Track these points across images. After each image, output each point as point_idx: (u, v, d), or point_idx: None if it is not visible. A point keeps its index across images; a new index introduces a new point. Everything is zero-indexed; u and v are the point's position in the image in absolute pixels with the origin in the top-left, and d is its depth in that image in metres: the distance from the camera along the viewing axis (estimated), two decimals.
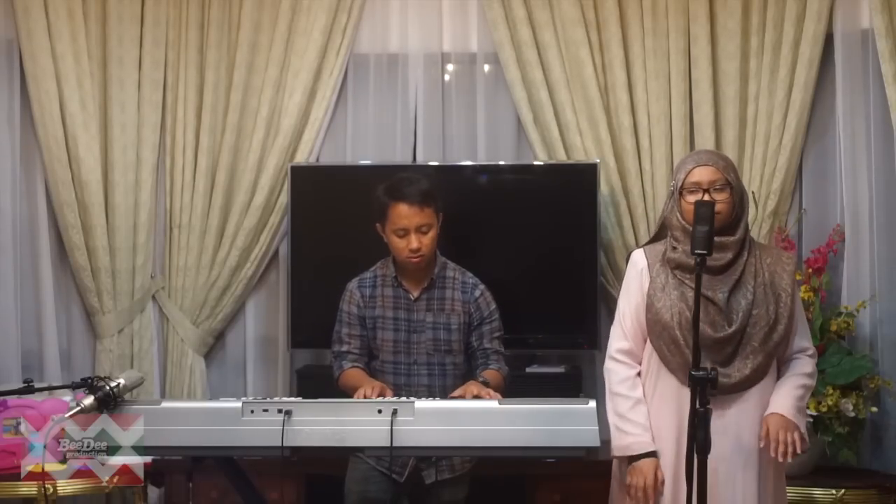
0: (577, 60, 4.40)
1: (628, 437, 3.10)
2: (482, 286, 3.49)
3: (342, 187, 4.37)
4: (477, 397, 3.06)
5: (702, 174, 3.11)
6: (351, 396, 3.19)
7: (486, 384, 3.22)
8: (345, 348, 3.44)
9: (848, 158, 4.29)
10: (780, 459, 3.02)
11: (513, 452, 2.86)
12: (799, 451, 3.03)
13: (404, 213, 3.32)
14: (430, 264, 3.44)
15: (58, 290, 4.53)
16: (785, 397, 3.09)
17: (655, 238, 3.30)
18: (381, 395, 3.12)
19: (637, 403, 3.13)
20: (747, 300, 3.09)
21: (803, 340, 3.20)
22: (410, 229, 3.33)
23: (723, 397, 3.01)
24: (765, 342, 3.08)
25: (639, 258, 3.23)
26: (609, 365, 3.21)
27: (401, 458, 3.31)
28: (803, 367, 3.15)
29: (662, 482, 3.07)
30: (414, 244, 3.33)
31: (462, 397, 3.10)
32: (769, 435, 3.02)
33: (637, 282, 3.20)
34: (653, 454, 3.08)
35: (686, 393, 3.03)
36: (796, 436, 3.02)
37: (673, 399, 3.10)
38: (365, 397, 3.10)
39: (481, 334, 3.45)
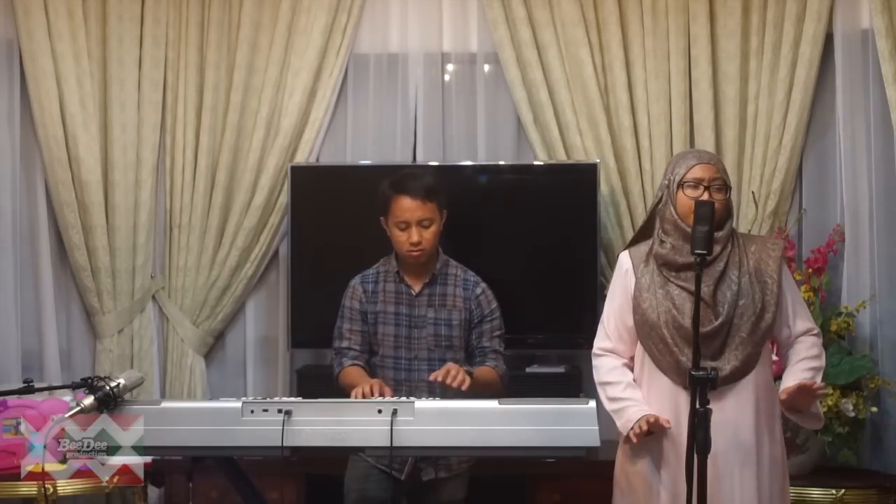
0: (577, 60, 4.40)
1: (629, 410, 3.09)
2: (484, 284, 3.51)
3: (342, 187, 4.37)
4: (447, 383, 3.12)
5: (704, 171, 3.12)
6: (349, 394, 3.19)
7: (469, 374, 3.23)
8: (345, 344, 3.45)
9: (848, 158, 4.29)
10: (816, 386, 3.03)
11: (513, 452, 2.86)
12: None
13: (406, 206, 3.36)
14: (432, 260, 3.46)
15: (58, 290, 4.53)
16: (794, 380, 3.08)
17: (641, 233, 3.31)
18: (380, 392, 3.13)
19: (629, 386, 3.15)
20: (732, 291, 3.09)
21: (805, 322, 3.18)
22: (412, 223, 3.36)
23: (717, 391, 3.00)
24: (753, 332, 3.08)
25: (624, 260, 3.25)
26: (595, 361, 3.25)
27: (399, 456, 3.31)
28: (808, 350, 3.14)
29: (668, 421, 3.04)
30: (415, 237, 3.35)
31: (436, 378, 3.13)
32: (793, 391, 3.02)
33: (622, 283, 3.22)
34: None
35: (680, 392, 3.04)
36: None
37: (668, 399, 3.10)
38: (362, 396, 3.10)
39: (481, 332, 3.47)
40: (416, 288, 3.45)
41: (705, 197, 3.06)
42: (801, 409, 3.11)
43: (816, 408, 3.14)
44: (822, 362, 3.16)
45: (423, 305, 3.44)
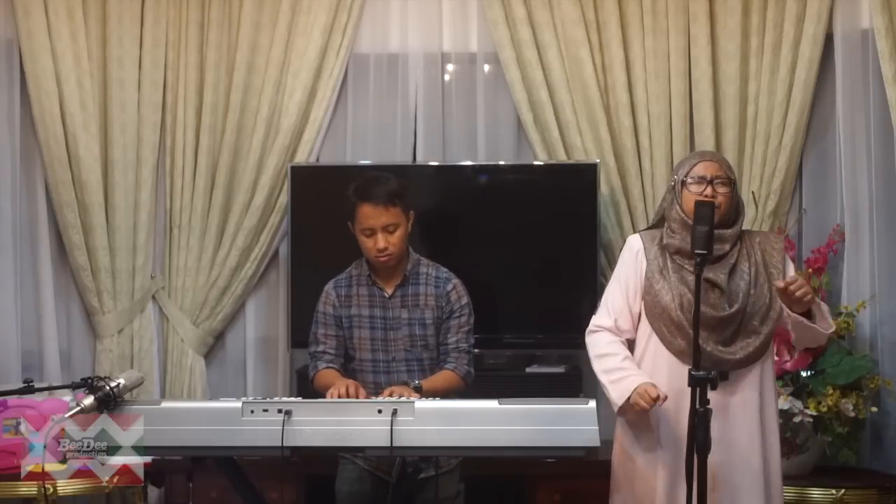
0: (577, 60, 4.40)
1: (625, 380, 3.09)
2: (456, 280, 3.47)
3: (342, 187, 4.35)
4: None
5: (707, 168, 3.17)
6: (324, 397, 3.17)
7: (417, 389, 3.19)
8: (320, 348, 3.43)
9: (848, 158, 4.30)
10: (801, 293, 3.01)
11: (513, 452, 2.86)
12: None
13: (370, 213, 3.34)
14: (402, 261, 3.44)
15: (58, 290, 4.53)
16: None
17: (652, 228, 3.34)
18: (356, 394, 3.11)
19: (626, 358, 3.15)
20: (745, 281, 3.14)
21: None
22: (377, 229, 3.34)
23: (723, 383, 2.98)
24: (764, 321, 3.13)
25: (635, 241, 3.29)
26: (589, 338, 3.24)
27: (386, 458, 3.29)
28: None
29: (665, 397, 3.03)
30: (380, 244, 3.33)
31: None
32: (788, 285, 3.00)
33: (632, 264, 3.24)
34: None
35: (686, 371, 3.01)
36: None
37: (672, 377, 3.09)
38: (338, 396, 3.09)
39: (448, 328, 3.43)
40: (389, 290, 3.43)
41: (709, 192, 3.11)
42: (795, 309, 3.07)
43: (819, 310, 3.12)
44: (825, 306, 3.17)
45: (396, 307, 3.42)
